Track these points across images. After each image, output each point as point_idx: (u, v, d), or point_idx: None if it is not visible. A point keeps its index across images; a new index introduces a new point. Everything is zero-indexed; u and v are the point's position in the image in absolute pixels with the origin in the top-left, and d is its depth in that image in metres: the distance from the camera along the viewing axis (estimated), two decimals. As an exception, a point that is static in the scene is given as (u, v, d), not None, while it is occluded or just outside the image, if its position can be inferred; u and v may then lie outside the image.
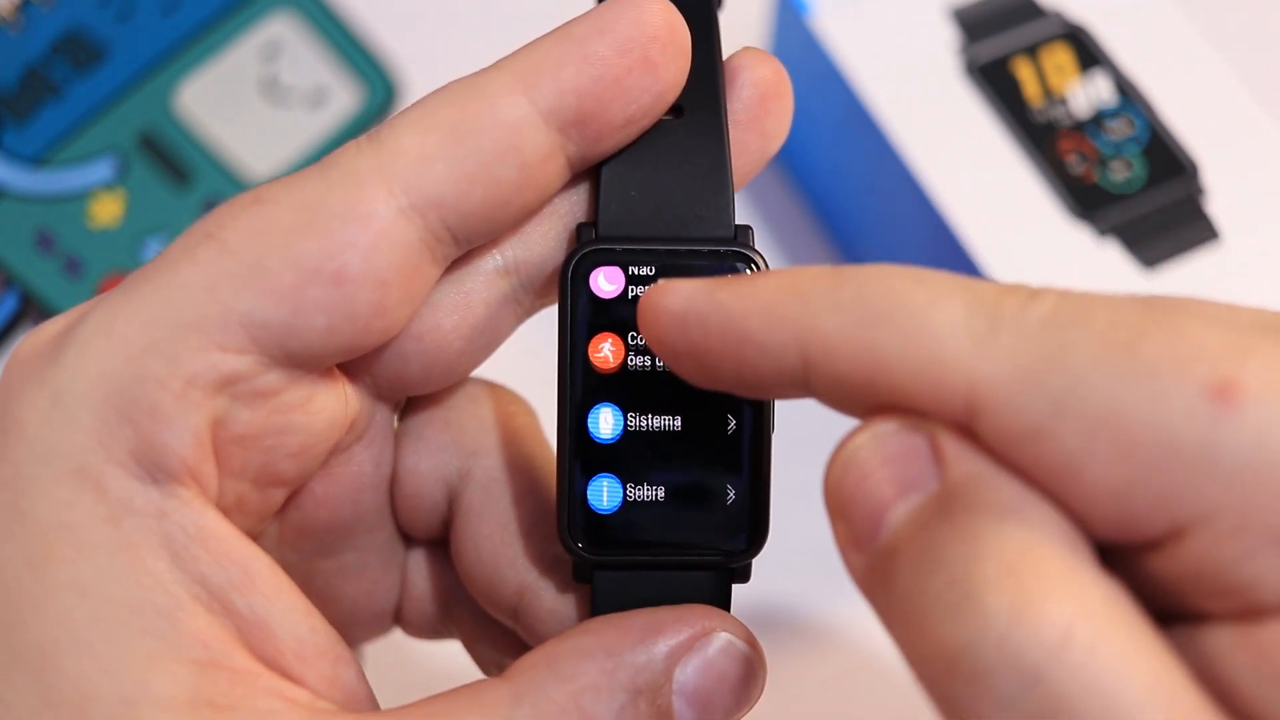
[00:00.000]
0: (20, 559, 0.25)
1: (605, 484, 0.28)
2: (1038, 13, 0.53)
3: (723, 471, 0.28)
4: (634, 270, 0.28)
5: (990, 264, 0.48)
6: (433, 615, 0.33)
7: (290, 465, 0.28)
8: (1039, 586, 0.20)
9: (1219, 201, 0.49)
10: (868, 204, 0.55)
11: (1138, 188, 0.50)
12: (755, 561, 0.29)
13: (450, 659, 0.35)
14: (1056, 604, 0.20)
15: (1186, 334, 0.21)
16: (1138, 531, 0.21)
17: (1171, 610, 0.22)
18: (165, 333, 0.26)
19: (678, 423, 0.28)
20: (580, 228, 0.28)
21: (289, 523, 0.30)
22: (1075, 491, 0.21)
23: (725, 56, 0.29)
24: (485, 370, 0.31)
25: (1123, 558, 0.22)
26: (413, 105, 0.27)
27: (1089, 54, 0.52)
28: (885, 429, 0.23)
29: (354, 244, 0.26)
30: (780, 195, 0.60)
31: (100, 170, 0.55)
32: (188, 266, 0.26)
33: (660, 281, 0.25)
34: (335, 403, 0.28)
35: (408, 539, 0.33)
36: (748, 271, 0.28)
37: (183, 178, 0.56)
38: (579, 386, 0.28)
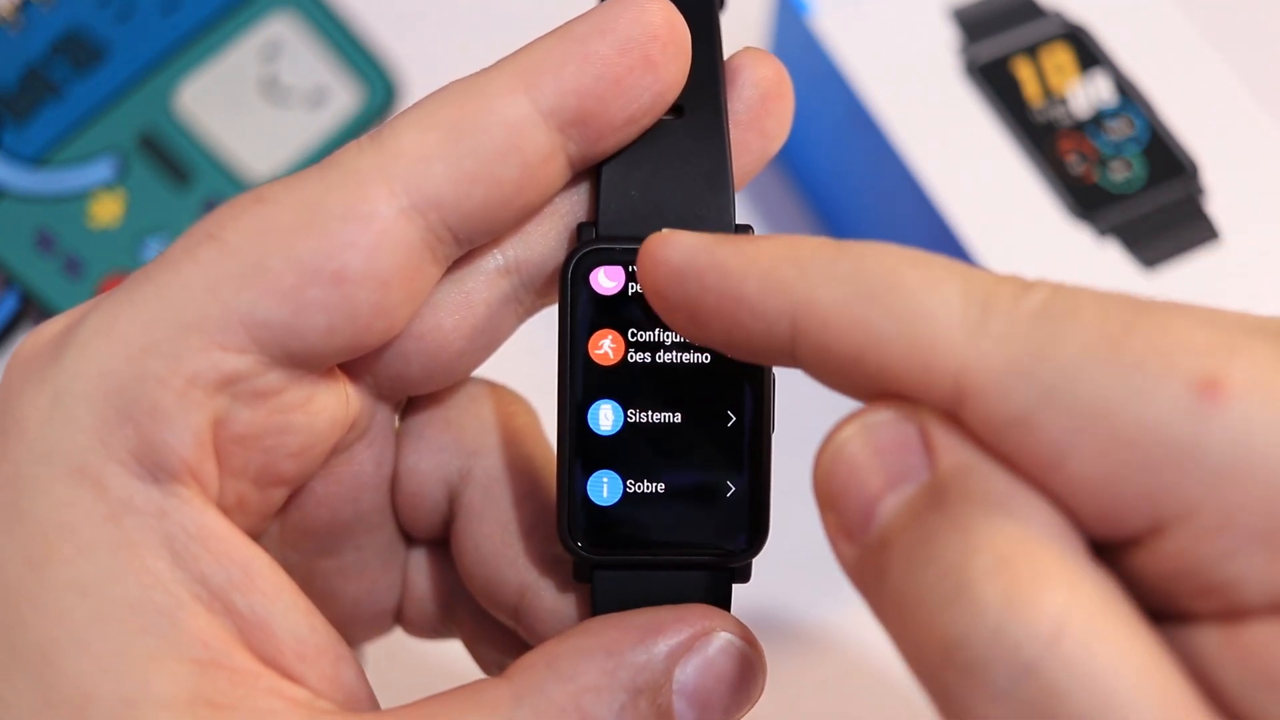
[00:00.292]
0: (20, 558, 0.25)
1: (605, 479, 0.28)
2: (1038, 13, 0.53)
3: (722, 468, 0.28)
4: (634, 269, 0.28)
5: (990, 264, 0.48)
6: (433, 615, 0.33)
7: (291, 465, 0.28)
8: (1032, 578, 0.20)
9: (1219, 201, 0.49)
10: (868, 204, 0.55)
11: (1138, 188, 0.49)
12: (756, 562, 0.29)
13: (451, 659, 0.35)
14: (1049, 595, 0.20)
15: (1173, 330, 0.21)
16: (1121, 526, 0.21)
17: (1159, 610, 0.22)
18: (166, 332, 0.26)
19: (677, 418, 0.28)
20: (581, 227, 0.28)
21: (290, 522, 0.30)
22: (1059, 482, 0.21)
23: (726, 56, 0.29)
24: (486, 370, 0.31)
25: (1111, 556, 0.22)
26: (414, 105, 0.27)
27: (1089, 54, 0.52)
28: (875, 419, 0.23)
29: (355, 244, 0.26)
30: (780, 195, 0.60)
31: (100, 170, 0.55)
32: (189, 266, 0.26)
33: (663, 230, 0.25)
34: (336, 402, 0.28)
35: (408, 539, 0.33)
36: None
37: (183, 178, 0.56)
38: (579, 382, 0.28)
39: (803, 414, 0.54)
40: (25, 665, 0.25)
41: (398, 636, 0.35)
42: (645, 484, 0.28)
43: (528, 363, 0.35)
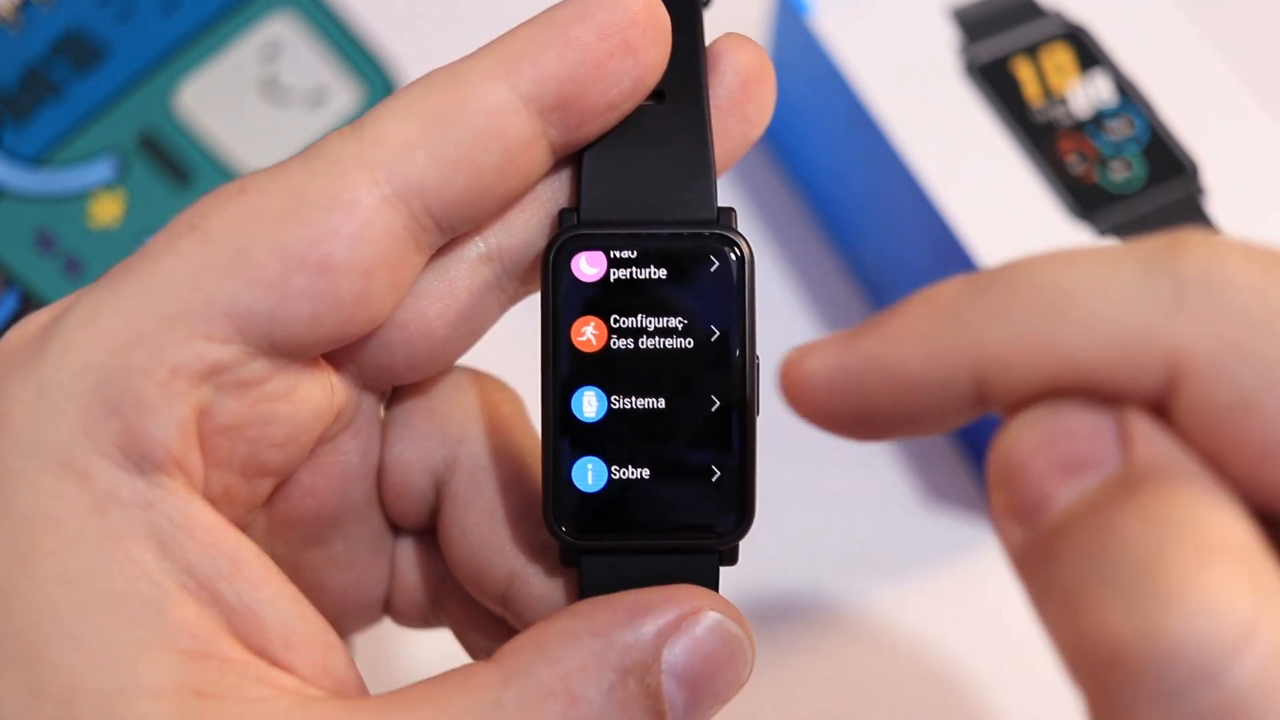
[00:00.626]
0: (6, 552, 0.25)
1: (590, 465, 0.28)
2: (1038, 13, 0.53)
3: (707, 451, 0.28)
4: (615, 254, 0.28)
5: (990, 264, 0.48)
6: (422, 604, 0.33)
7: (276, 455, 0.28)
8: (1226, 579, 0.19)
9: (1219, 201, 0.49)
10: (868, 204, 0.55)
11: (1138, 188, 0.49)
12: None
13: (442, 648, 0.35)
14: (1243, 600, 0.19)
15: None
16: None
17: None
18: (149, 323, 0.26)
19: (661, 403, 0.28)
20: (563, 213, 0.28)
21: (277, 514, 0.30)
22: (1274, 469, 0.20)
23: (708, 43, 0.29)
24: (472, 359, 0.31)
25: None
26: (396, 93, 0.27)
27: (1089, 54, 0.52)
28: (1066, 406, 0.22)
29: (338, 232, 0.26)
30: (780, 195, 0.60)
31: (100, 170, 0.55)
32: (171, 257, 0.26)
33: (791, 351, 0.24)
34: (321, 392, 0.28)
35: (396, 529, 0.33)
36: (730, 254, 0.28)
37: (183, 178, 0.56)
38: (562, 369, 0.28)
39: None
40: (13, 658, 0.25)
41: (388, 627, 0.35)
42: (630, 469, 0.28)
43: (513, 351, 0.35)
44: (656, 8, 0.27)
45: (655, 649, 0.27)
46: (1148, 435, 0.21)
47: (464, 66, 0.27)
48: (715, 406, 0.28)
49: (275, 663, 0.26)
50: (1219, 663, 0.19)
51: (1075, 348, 0.21)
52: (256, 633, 0.26)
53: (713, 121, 0.29)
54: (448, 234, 0.28)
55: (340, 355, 0.29)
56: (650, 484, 0.28)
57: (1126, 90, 0.51)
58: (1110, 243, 0.22)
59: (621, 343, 0.28)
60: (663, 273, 0.28)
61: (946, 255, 0.49)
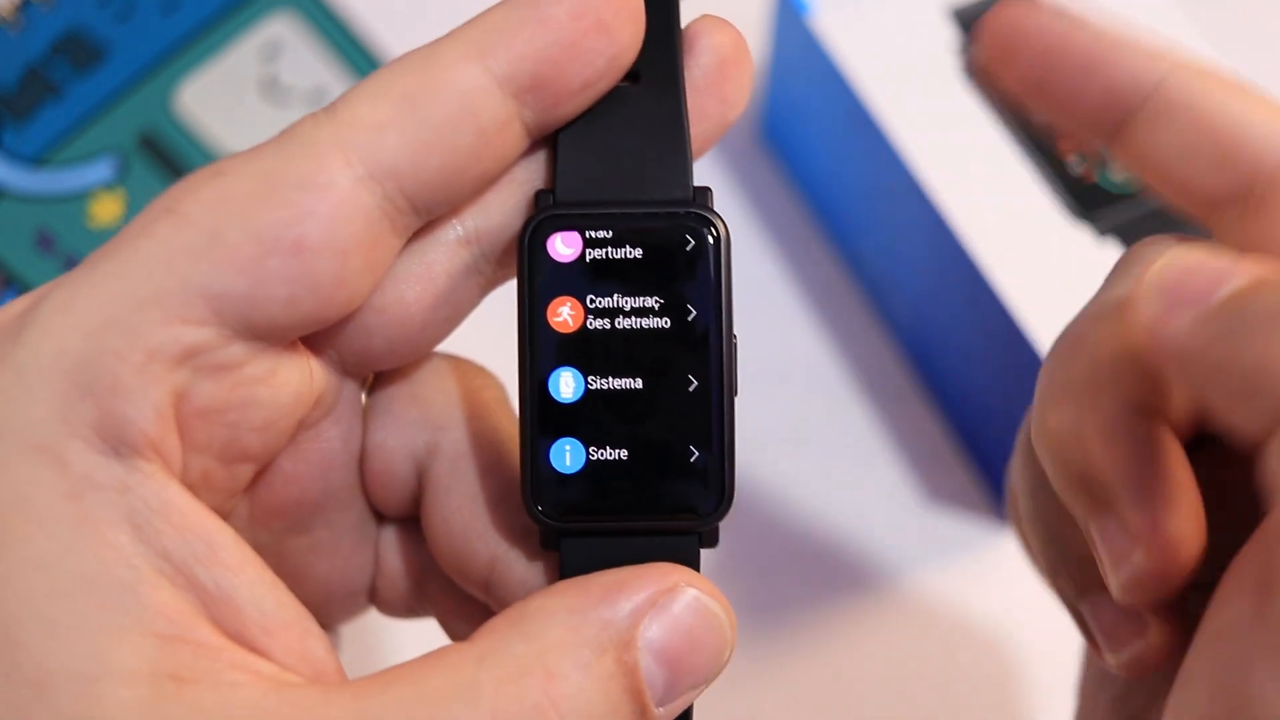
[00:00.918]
0: None
1: (568, 447, 0.28)
2: (1038, 12, 0.53)
3: (685, 432, 0.28)
4: (591, 234, 0.28)
5: (990, 264, 0.48)
6: (407, 592, 0.33)
7: (255, 440, 0.28)
8: None
9: (1219, 200, 0.49)
10: (868, 204, 0.55)
11: (1138, 188, 0.49)
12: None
13: (428, 640, 0.35)
14: None
15: None
16: None
17: None
18: (125, 307, 0.26)
19: (639, 384, 0.28)
20: (538, 194, 0.28)
21: (259, 501, 0.30)
22: None
23: (685, 24, 0.29)
24: (453, 345, 0.31)
25: None
26: (369, 75, 0.27)
27: (1089, 53, 0.52)
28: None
29: (313, 213, 0.26)
30: (780, 195, 0.60)
31: (100, 170, 0.56)
32: (146, 241, 0.26)
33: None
34: (300, 376, 0.28)
35: (379, 516, 0.33)
36: (706, 233, 0.28)
37: (183, 177, 0.56)
38: (539, 350, 0.28)
39: (794, 416, 0.53)
40: None
41: (374, 619, 0.35)
42: (608, 450, 0.28)
43: (494, 337, 0.35)
44: None
45: (632, 625, 0.26)
46: None
47: (438, 48, 0.27)
48: (693, 386, 0.28)
49: (252, 648, 0.26)
50: None
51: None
52: (233, 618, 0.26)
53: (690, 103, 0.28)
54: (424, 216, 0.28)
55: (319, 340, 0.29)
56: (629, 465, 0.28)
57: (1127, 89, 0.51)
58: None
59: (598, 323, 0.28)
60: (639, 252, 0.28)
61: (946, 255, 0.49)
